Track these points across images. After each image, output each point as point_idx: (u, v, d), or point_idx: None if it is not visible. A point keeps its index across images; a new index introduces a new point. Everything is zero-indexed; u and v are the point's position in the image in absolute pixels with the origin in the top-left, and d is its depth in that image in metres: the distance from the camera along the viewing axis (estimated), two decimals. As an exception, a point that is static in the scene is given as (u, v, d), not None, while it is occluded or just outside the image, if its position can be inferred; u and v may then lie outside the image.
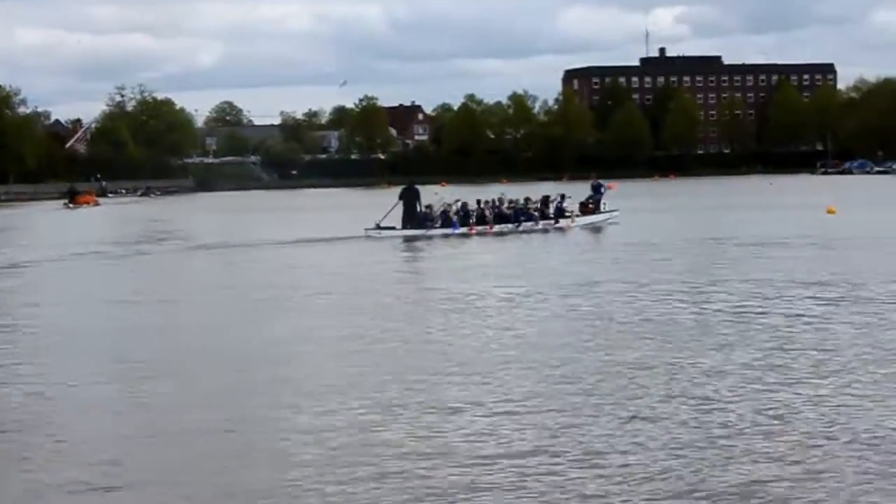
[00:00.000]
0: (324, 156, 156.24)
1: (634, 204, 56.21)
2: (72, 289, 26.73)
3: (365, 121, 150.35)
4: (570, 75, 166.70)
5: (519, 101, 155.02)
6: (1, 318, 19.87)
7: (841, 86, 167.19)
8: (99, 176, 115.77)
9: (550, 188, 56.44)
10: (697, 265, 27.40)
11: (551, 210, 44.92)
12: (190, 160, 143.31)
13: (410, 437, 10.63)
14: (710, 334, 16.08)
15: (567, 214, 45.14)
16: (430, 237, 41.29)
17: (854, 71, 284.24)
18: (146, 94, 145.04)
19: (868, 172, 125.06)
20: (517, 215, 44.22)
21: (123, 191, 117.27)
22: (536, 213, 44.71)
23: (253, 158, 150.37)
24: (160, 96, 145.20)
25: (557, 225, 43.90)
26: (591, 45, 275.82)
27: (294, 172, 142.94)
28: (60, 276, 30.27)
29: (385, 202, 46.60)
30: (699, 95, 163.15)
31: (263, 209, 73.12)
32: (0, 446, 10.65)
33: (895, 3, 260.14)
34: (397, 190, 48.63)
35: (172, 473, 9.77)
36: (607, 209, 46.94)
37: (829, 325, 16.66)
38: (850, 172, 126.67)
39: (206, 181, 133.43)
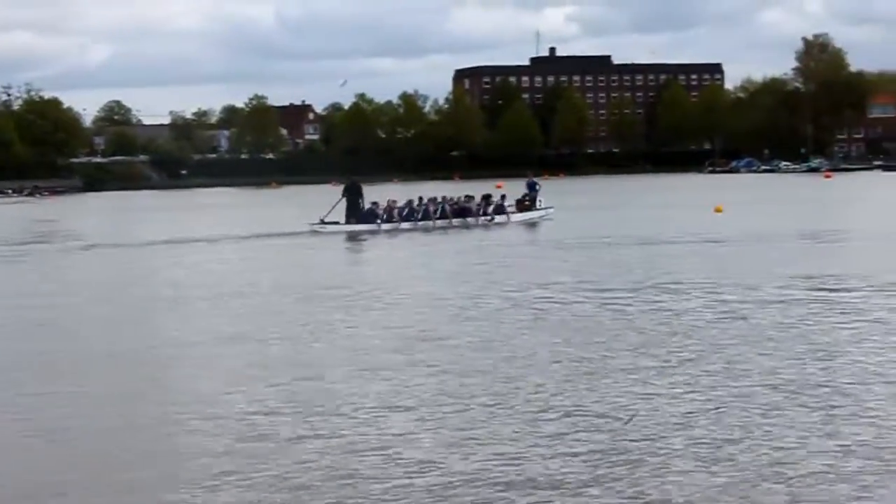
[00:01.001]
0: (214, 155, 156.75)
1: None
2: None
3: (255, 120, 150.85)
4: (460, 75, 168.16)
5: (409, 100, 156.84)
6: None
7: (728, 85, 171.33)
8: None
9: (440, 188, 57.81)
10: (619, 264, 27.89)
11: (492, 207, 46.55)
12: (77, 160, 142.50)
13: (295, 434, 10.86)
14: (600, 332, 16.55)
15: (506, 212, 46.81)
16: (374, 233, 42.34)
17: (741, 70, 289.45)
18: (33, 93, 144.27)
19: (755, 171, 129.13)
20: (461, 213, 45.79)
21: (10, 191, 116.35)
22: (479, 211, 46.35)
23: (142, 158, 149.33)
24: (47, 95, 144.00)
25: (496, 221, 45.42)
26: (482, 45, 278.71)
27: (184, 172, 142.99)
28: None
29: (276, 202, 47.11)
30: (588, 95, 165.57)
31: (170, 208, 72.65)
32: None
33: (781, 3, 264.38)
34: (286, 189, 49.97)
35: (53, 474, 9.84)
36: (542, 206, 48.86)
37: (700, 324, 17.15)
38: (737, 171, 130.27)
39: (95, 181, 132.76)
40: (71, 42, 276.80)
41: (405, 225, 44.26)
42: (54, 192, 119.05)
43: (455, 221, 45.21)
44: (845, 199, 65.38)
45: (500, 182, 74.92)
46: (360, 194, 45.60)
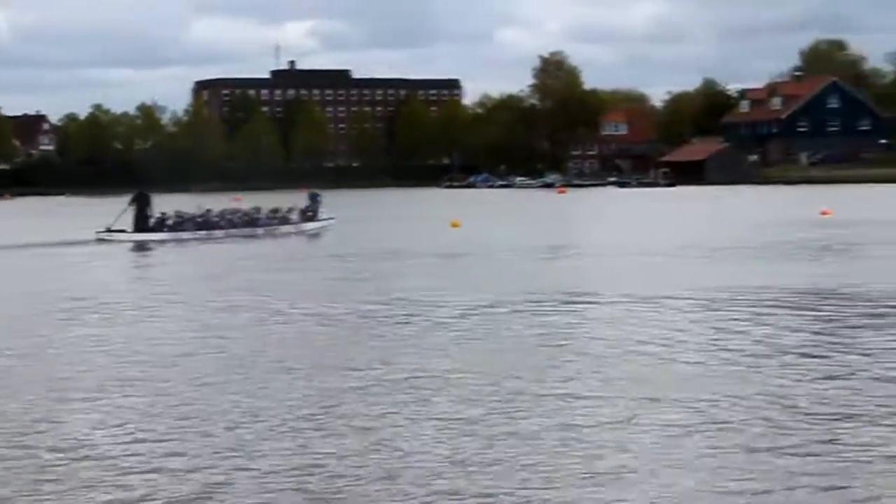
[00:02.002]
0: None
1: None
2: None
3: None
4: (200, 86, 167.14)
5: (147, 111, 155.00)
6: None
7: (467, 101, 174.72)
8: None
9: (181, 200, 57.95)
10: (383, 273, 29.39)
11: (277, 219, 49.27)
12: None
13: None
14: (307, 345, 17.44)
15: (291, 222, 49.33)
16: (163, 242, 43.23)
17: (480, 87, 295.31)
18: None
19: (491, 186, 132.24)
20: (249, 223, 47.89)
21: None
22: (271, 220, 48.79)
23: None
24: None
25: (282, 231, 47.75)
26: (223, 57, 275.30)
27: None
28: None
29: (21, 213, 46.57)
30: (329, 108, 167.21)
31: None
32: None
33: (518, 21, 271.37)
34: (22, 201, 50.27)
35: None
36: (324, 217, 51.58)
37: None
38: (473, 186, 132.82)
39: None
40: None
41: (197, 234, 45.27)
42: None
43: (245, 231, 46.72)
44: (576, 214, 68.17)
45: (237, 196, 76.19)
46: (148, 203, 45.62)
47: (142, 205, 45.71)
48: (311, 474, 10.20)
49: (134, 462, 10.64)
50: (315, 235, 47.82)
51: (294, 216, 50.48)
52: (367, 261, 33.94)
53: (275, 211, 49.59)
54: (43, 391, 13.88)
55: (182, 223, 46.19)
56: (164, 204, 49.71)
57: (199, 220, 46.77)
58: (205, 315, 21.66)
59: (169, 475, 10.14)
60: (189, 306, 23.29)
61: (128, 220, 45.10)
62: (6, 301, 24.44)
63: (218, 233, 46.00)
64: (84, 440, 11.50)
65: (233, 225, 47.25)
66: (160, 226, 45.52)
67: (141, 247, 42.11)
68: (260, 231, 47.52)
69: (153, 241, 43.54)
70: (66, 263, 35.86)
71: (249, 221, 48.14)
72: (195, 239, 44.55)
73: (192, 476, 10.13)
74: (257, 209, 49.44)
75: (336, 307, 22.12)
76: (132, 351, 17.08)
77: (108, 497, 9.54)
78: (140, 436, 11.61)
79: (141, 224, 44.98)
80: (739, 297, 22.39)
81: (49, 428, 11.99)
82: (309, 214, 51.35)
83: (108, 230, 43.92)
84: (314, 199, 52.68)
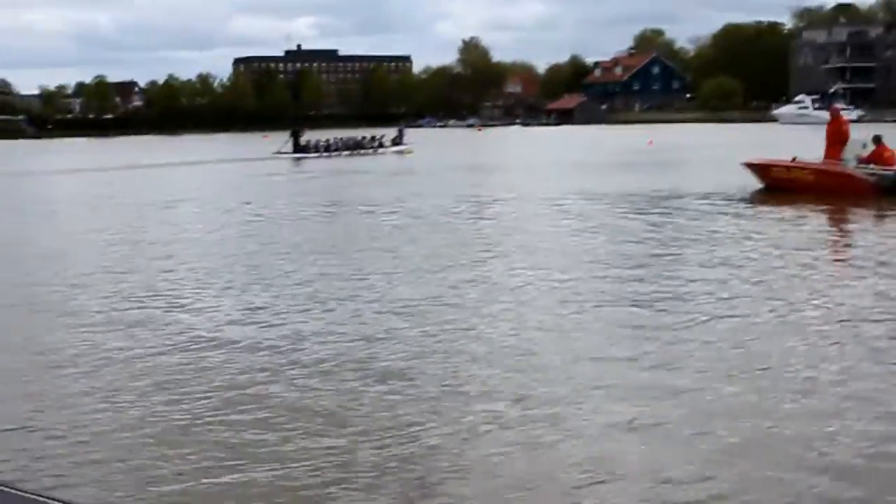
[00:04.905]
0: (70, 115, 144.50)
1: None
2: None
3: (95, 91, 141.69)
4: (238, 62, 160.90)
5: (203, 79, 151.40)
6: None
7: (416, 70, 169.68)
8: None
9: (226, 138, 59.69)
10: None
11: (376, 143, 49.44)
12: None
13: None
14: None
15: (384, 146, 49.10)
16: (309, 159, 44.01)
17: (424, 61, 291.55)
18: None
19: (433, 126, 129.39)
20: (357, 146, 48.17)
21: None
22: (372, 143, 48.85)
23: (21, 117, 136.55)
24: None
25: (379, 152, 48.22)
26: (253, 41, 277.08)
27: (49, 127, 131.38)
28: None
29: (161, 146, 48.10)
30: (323, 75, 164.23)
31: (96, 149, 69.23)
32: None
33: (449, 16, 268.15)
34: (123, 139, 51.79)
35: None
36: (406, 144, 50.12)
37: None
38: (422, 126, 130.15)
39: None
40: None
41: (327, 153, 46.48)
42: None
43: (356, 151, 47.44)
44: (489, 144, 66.20)
45: (266, 134, 73.57)
46: (300, 135, 47.77)
47: (296, 136, 47.60)
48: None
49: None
50: (400, 153, 47.50)
51: (386, 142, 49.97)
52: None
53: (373, 138, 49.48)
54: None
55: (318, 146, 47.49)
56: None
57: (327, 143, 47.69)
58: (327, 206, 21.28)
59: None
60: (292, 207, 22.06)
61: (287, 145, 47.24)
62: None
63: (341, 152, 46.91)
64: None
65: (347, 147, 47.89)
66: (306, 148, 47.15)
67: (298, 160, 43.32)
68: (364, 151, 47.93)
69: (306, 157, 44.88)
70: (276, 170, 36.63)
71: (358, 144, 48.58)
72: (326, 156, 45.64)
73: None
74: (363, 136, 49.75)
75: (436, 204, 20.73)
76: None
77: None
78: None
79: (297, 147, 47.11)
80: (594, 196, 21.86)
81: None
82: (396, 141, 50.63)
83: (279, 151, 46.12)
84: (400, 131, 52.64)
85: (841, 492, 5.23)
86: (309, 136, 49.36)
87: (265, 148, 50.43)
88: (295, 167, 39.65)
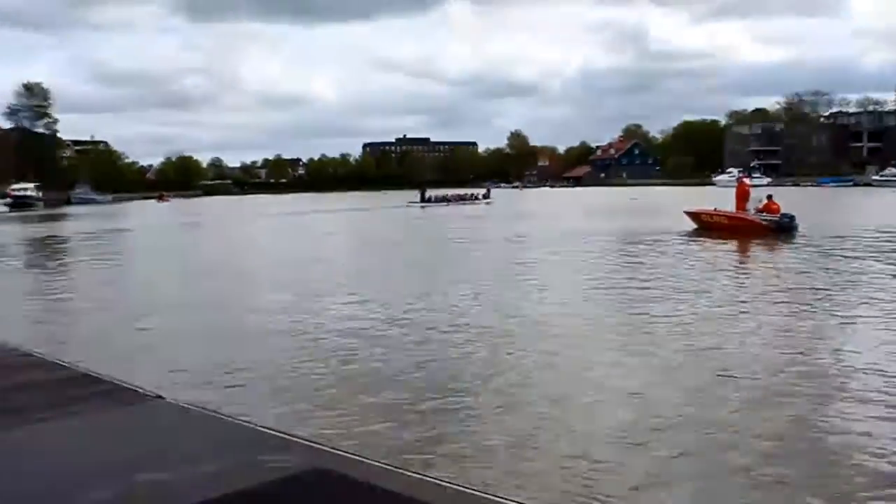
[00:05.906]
0: (258, 179, 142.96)
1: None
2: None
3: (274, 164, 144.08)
4: None
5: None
6: None
7: (481, 150, 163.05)
8: None
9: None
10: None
11: (480, 196, 46.92)
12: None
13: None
14: None
15: (479, 198, 46.51)
16: (429, 207, 42.50)
17: (486, 145, 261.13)
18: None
19: (498, 187, 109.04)
20: (463, 198, 46.05)
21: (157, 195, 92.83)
22: (473, 197, 46.79)
23: (228, 181, 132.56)
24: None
25: (476, 202, 45.67)
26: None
27: (245, 187, 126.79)
28: None
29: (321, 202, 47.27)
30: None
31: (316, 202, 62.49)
32: None
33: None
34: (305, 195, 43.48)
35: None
36: (490, 198, 47.21)
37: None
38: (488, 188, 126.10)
39: (207, 193, 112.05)
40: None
41: (444, 203, 45.52)
42: (183, 196, 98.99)
43: (460, 202, 46.39)
44: (530, 198, 62.54)
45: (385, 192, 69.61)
46: (425, 190, 48.20)
47: (423, 191, 48.11)
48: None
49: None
50: (489, 204, 45.33)
51: (479, 196, 48.15)
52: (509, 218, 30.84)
53: (472, 195, 47.67)
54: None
55: (437, 198, 46.53)
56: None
57: (444, 196, 46.91)
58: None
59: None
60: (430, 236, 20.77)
61: (417, 197, 46.58)
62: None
63: (454, 203, 45.62)
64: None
65: (456, 199, 46.57)
66: (430, 199, 46.56)
67: (423, 207, 42.32)
68: (469, 201, 45.83)
69: (428, 205, 44.31)
70: (412, 213, 35.31)
71: (461, 197, 47.29)
72: (444, 204, 44.67)
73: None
74: (465, 192, 48.82)
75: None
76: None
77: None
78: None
79: (423, 198, 46.69)
80: (594, 234, 21.01)
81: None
82: (486, 196, 48.97)
83: (410, 202, 45.00)
84: (488, 189, 52.26)
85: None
86: (430, 192, 48.85)
87: (398, 200, 48.50)
88: (422, 212, 39.43)
